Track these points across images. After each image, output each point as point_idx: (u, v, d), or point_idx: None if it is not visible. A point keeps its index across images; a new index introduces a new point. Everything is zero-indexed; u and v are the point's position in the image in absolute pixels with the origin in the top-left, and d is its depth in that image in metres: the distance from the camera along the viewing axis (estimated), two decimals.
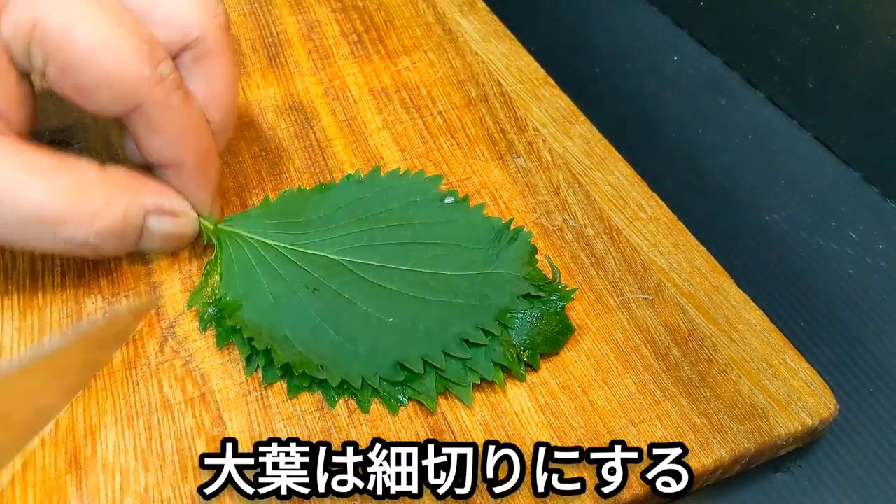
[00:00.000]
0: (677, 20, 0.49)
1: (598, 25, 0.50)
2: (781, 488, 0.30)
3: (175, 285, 0.31)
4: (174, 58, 0.29)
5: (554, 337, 0.30)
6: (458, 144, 0.37)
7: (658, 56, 0.48)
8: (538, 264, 0.32)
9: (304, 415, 0.28)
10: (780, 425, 0.28)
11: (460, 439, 0.27)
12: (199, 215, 0.31)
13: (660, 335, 0.31)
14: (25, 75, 0.28)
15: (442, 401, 0.28)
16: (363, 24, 0.44)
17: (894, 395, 0.32)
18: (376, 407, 0.28)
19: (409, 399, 0.28)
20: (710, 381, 0.29)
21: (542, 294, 0.30)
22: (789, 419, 0.29)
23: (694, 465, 0.27)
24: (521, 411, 0.28)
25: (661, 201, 0.35)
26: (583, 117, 0.39)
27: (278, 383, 0.29)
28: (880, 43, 0.38)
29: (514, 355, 0.29)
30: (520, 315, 0.30)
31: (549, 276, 0.31)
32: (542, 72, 0.41)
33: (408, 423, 0.28)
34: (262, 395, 0.28)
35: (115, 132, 0.36)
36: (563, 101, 0.40)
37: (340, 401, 0.28)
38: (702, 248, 0.34)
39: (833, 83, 0.41)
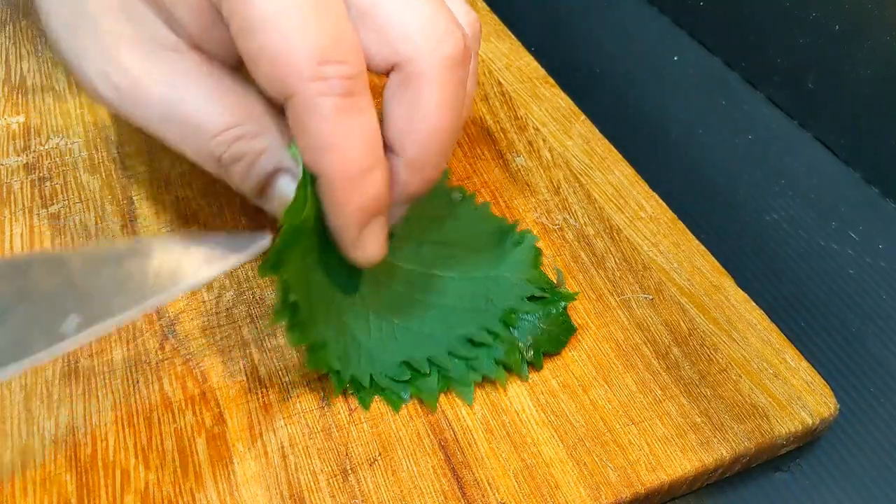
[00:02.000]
0: (677, 20, 0.49)
1: (598, 25, 0.50)
2: (781, 488, 0.30)
3: None
4: (386, 72, 0.27)
5: (556, 337, 0.30)
6: (458, 143, 0.37)
7: (658, 56, 0.48)
8: (542, 266, 0.32)
9: (304, 413, 0.28)
10: (780, 425, 0.28)
11: (461, 438, 0.27)
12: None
13: (660, 334, 0.31)
14: None
15: (443, 399, 0.28)
16: None
17: (894, 395, 0.32)
18: (377, 405, 0.28)
19: (411, 396, 0.28)
20: (710, 380, 0.29)
21: (545, 295, 0.30)
22: (789, 418, 0.29)
23: (694, 463, 0.27)
24: (521, 410, 0.28)
25: (661, 201, 0.35)
26: (583, 117, 0.39)
27: (276, 381, 0.29)
28: (880, 43, 0.38)
29: (519, 355, 0.29)
30: (524, 316, 0.30)
31: (554, 279, 0.31)
32: (542, 71, 0.41)
33: (408, 421, 0.28)
34: (262, 393, 0.28)
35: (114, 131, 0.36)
36: (563, 101, 0.40)
37: (340, 399, 0.28)
38: (702, 247, 0.34)
39: (833, 83, 0.41)
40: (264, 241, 0.27)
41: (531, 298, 0.30)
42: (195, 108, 0.27)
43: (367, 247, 0.28)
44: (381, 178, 0.26)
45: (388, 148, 0.27)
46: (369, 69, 0.27)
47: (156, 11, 0.27)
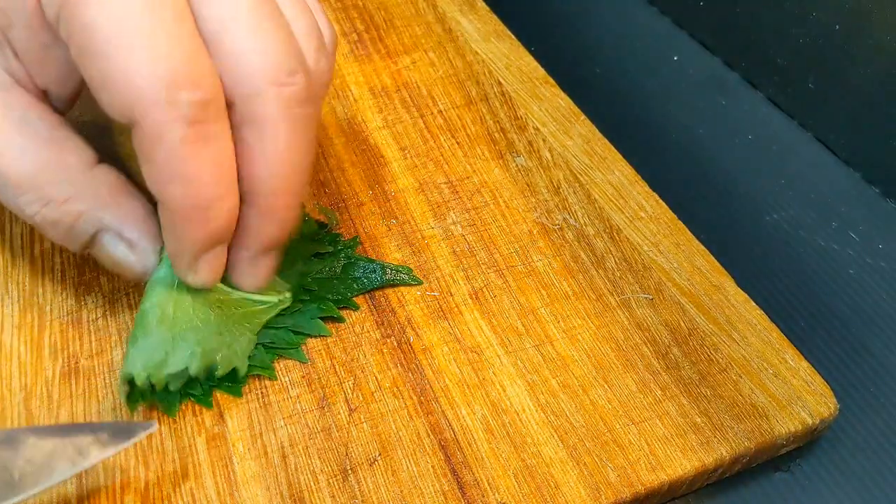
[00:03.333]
0: (677, 20, 0.49)
1: (598, 25, 0.50)
2: (781, 488, 0.30)
3: None
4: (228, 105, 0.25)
5: (363, 279, 0.32)
6: (458, 143, 0.37)
7: (658, 56, 0.48)
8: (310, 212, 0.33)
9: (304, 413, 0.28)
10: (780, 424, 0.28)
11: (461, 438, 0.28)
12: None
13: (660, 334, 0.31)
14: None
15: (442, 399, 0.28)
16: (363, 24, 0.44)
17: (894, 395, 0.32)
18: (376, 406, 0.28)
19: (250, 374, 0.29)
20: (710, 380, 0.29)
21: (330, 249, 0.32)
22: (789, 418, 0.29)
23: (694, 463, 0.27)
24: (521, 410, 0.28)
25: (661, 201, 0.35)
26: (583, 117, 0.39)
27: (276, 381, 0.29)
28: (880, 43, 0.38)
29: (328, 305, 0.31)
30: (318, 275, 0.31)
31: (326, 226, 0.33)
32: (542, 71, 0.41)
33: (408, 421, 0.28)
34: (262, 392, 0.28)
35: None
36: (563, 101, 0.40)
37: (341, 399, 0.28)
38: (702, 247, 0.34)
39: (833, 83, 0.41)
40: (150, 429, 0.26)
41: (317, 255, 0.32)
42: (2, 160, 0.25)
43: (202, 272, 0.27)
44: (229, 208, 0.25)
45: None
46: None
47: None
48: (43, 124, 0.26)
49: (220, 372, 0.28)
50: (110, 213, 0.27)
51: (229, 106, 0.25)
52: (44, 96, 0.27)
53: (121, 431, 0.25)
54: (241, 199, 0.26)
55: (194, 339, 0.27)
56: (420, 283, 0.32)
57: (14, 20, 0.25)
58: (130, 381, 0.26)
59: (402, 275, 0.32)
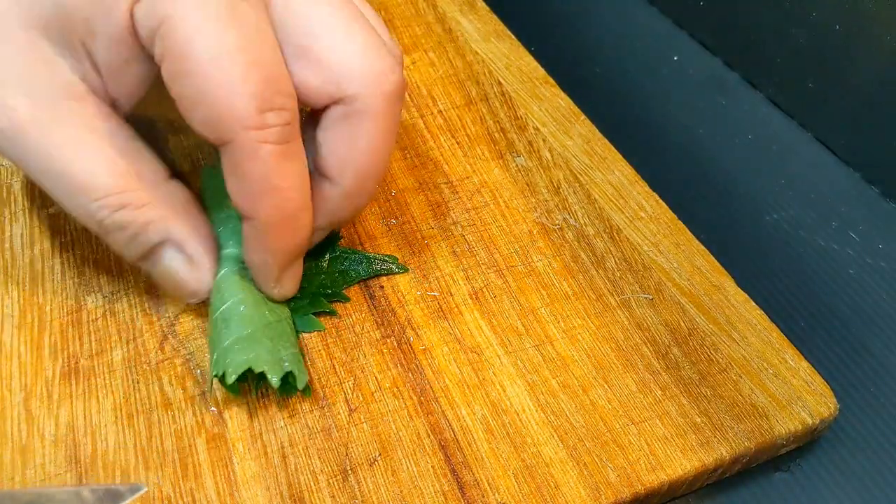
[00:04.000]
0: (677, 21, 0.49)
1: (599, 25, 0.50)
2: (781, 488, 0.30)
3: None
4: (323, 109, 0.27)
5: (350, 271, 0.32)
6: (458, 143, 0.37)
7: (658, 56, 0.48)
8: None
9: (304, 413, 0.28)
10: (780, 424, 0.28)
11: (461, 438, 0.28)
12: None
13: (660, 334, 0.31)
14: (150, 59, 0.26)
15: (442, 399, 0.28)
16: None
17: (894, 395, 0.32)
18: (376, 406, 0.28)
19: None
20: (710, 380, 0.29)
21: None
22: (789, 418, 0.29)
23: (694, 463, 0.27)
24: (521, 410, 0.28)
25: (661, 201, 0.35)
26: (583, 117, 0.39)
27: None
28: (880, 43, 0.38)
29: (321, 299, 0.31)
30: (305, 271, 0.31)
31: None
32: (542, 71, 0.41)
33: (408, 421, 0.28)
34: (262, 393, 0.28)
35: None
36: (563, 101, 0.40)
37: (341, 399, 0.28)
38: (702, 247, 0.34)
39: (833, 83, 0.41)
40: (140, 492, 0.25)
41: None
42: (79, 166, 0.25)
43: (287, 285, 0.29)
44: (309, 219, 0.27)
45: (324, 176, 0.28)
46: (305, 103, 0.27)
47: (63, 51, 0.26)
48: (119, 134, 0.27)
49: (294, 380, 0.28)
50: (178, 225, 0.28)
51: (333, 103, 0.27)
52: (114, 107, 0.27)
53: (109, 495, 0.25)
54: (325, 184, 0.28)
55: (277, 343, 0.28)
56: (406, 270, 0.32)
57: (99, 32, 0.25)
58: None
59: (388, 264, 0.32)
